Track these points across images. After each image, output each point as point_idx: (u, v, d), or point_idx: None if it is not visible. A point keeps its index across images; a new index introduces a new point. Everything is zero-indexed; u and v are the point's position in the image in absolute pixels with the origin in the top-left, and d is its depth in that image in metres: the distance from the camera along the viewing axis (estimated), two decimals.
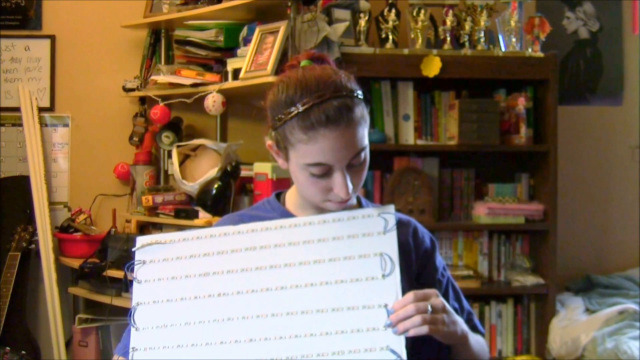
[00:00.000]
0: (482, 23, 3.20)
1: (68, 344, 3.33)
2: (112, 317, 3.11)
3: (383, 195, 3.17)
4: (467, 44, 3.20)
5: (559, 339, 3.02)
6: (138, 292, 1.33)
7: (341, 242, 1.28)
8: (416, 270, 1.42)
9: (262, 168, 2.85)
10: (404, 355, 1.18)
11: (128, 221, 3.39)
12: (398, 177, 3.15)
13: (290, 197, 1.44)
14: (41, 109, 3.49)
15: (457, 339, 1.28)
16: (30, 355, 3.18)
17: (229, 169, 2.87)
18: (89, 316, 3.23)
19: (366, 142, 1.29)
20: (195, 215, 2.98)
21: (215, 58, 3.14)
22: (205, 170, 3.03)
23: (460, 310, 1.45)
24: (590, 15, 3.72)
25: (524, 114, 3.17)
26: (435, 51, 3.10)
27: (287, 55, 2.80)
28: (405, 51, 3.10)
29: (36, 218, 3.32)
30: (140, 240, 1.37)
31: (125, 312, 1.59)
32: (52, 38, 3.51)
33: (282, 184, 2.71)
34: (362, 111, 1.28)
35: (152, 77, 3.28)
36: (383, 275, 1.24)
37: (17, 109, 3.47)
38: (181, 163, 3.17)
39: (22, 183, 3.42)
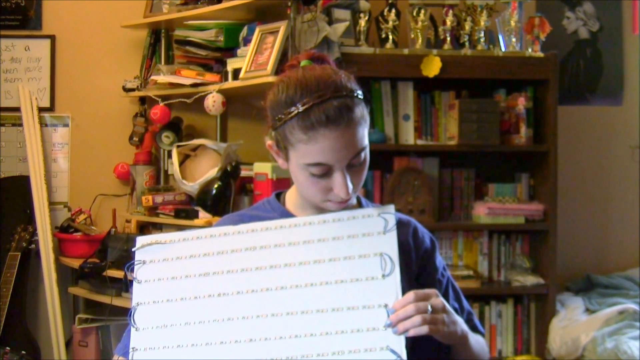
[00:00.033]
0: (482, 23, 3.20)
1: (68, 344, 3.33)
2: (112, 317, 3.11)
3: (383, 195, 3.17)
4: (467, 44, 3.20)
5: (559, 339, 3.02)
6: (138, 292, 1.33)
7: (341, 242, 1.28)
8: (416, 270, 1.42)
9: (262, 168, 2.85)
10: (404, 355, 1.18)
11: (128, 221, 3.39)
12: (398, 177, 3.15)
13: (290, 197, 1.44)
14: (41, 109, 3.49)
15: (457, 339, 1.28)
16: (30, 355, 3.17)
17: (229, 169, 2.87)
18: (89, 316, 3.23)
19: (366, 142, 1.29)
20: (195, 215, 2.98)
21: (215, 58, 3.14)
22: (205, 170, 3.03)
23: (460, 310, 1.45)
24: (590, 15, 3.72)
25: (524, 114, 3.17)
26: (435, 51, 3.10)
27: (287, 55, 2.80)
28: (405, 51, 3.10)
29: (36, 218, 3.32)
30: (140, 240, 1.37)
31: (125, 312, 1.59)
32: (52, 38, 3.51)
33: (282, 184, 2.71)
34: (362, 111, 1.28)
35: (152, 77, 3.28)
36: (383, 275, 1.24)
37: (17, 109, 3.47)
38: (181, 163, 3.17)
39: (22, 183, 3.42)
